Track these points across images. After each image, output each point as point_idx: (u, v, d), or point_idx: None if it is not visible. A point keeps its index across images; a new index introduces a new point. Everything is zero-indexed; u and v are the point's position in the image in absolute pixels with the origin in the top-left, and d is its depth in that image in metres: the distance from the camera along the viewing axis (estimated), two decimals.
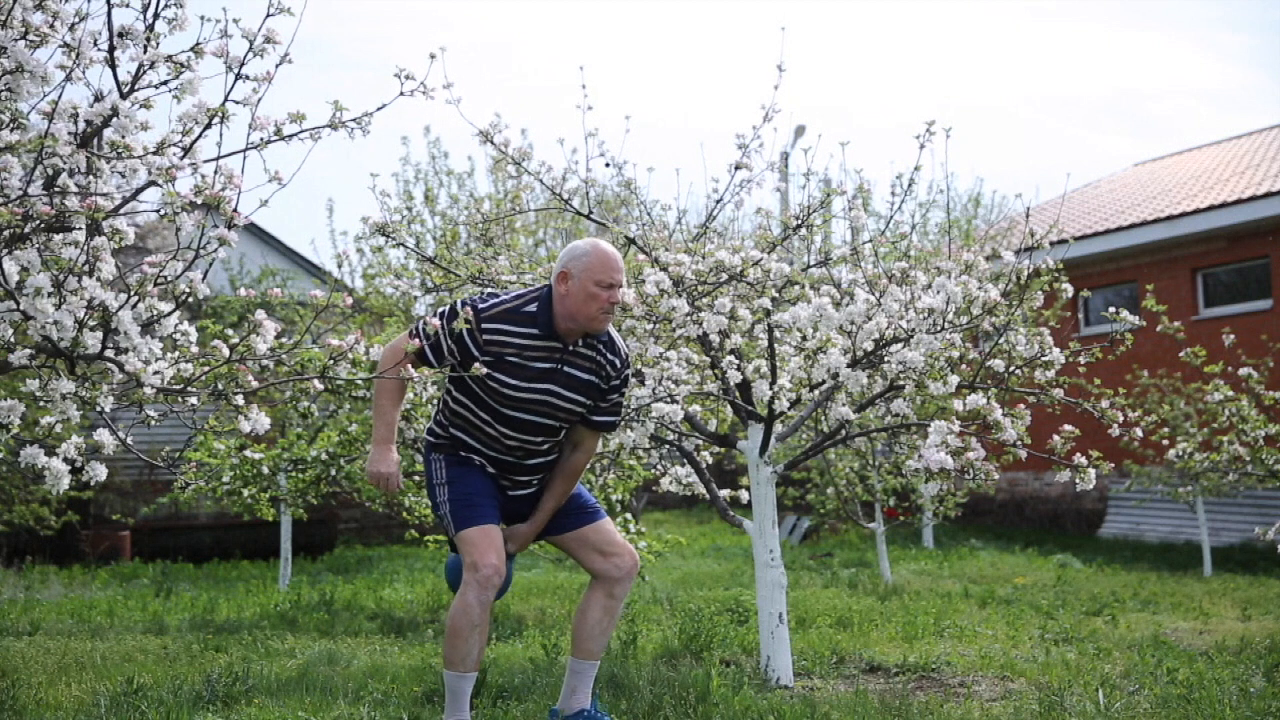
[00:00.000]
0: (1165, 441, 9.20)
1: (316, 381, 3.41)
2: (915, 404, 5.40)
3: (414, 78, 3.41)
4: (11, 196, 2.90)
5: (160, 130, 3.05)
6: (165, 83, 3.11)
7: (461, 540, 3.68)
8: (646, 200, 5.60)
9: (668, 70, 50.15)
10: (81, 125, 3.01)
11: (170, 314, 3.11)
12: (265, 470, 8.30)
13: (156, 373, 3.10)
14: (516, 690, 4.53)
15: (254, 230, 17.50)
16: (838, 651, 5.58)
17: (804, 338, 4.86)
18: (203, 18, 3.11)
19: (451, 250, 6.58)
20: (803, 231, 5.18)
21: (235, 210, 2.99)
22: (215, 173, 3.02)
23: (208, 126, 3.05)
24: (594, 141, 5.35)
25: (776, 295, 4.83)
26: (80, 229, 2.99)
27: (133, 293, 2.99)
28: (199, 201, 2.95)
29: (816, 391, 4.90)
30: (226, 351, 3.16)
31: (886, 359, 4.72)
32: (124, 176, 3.04)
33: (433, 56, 3.72)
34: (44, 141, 2.87)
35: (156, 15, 3.11)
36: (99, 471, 3.02)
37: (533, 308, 3.69)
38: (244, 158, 3.12)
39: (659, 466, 5.67)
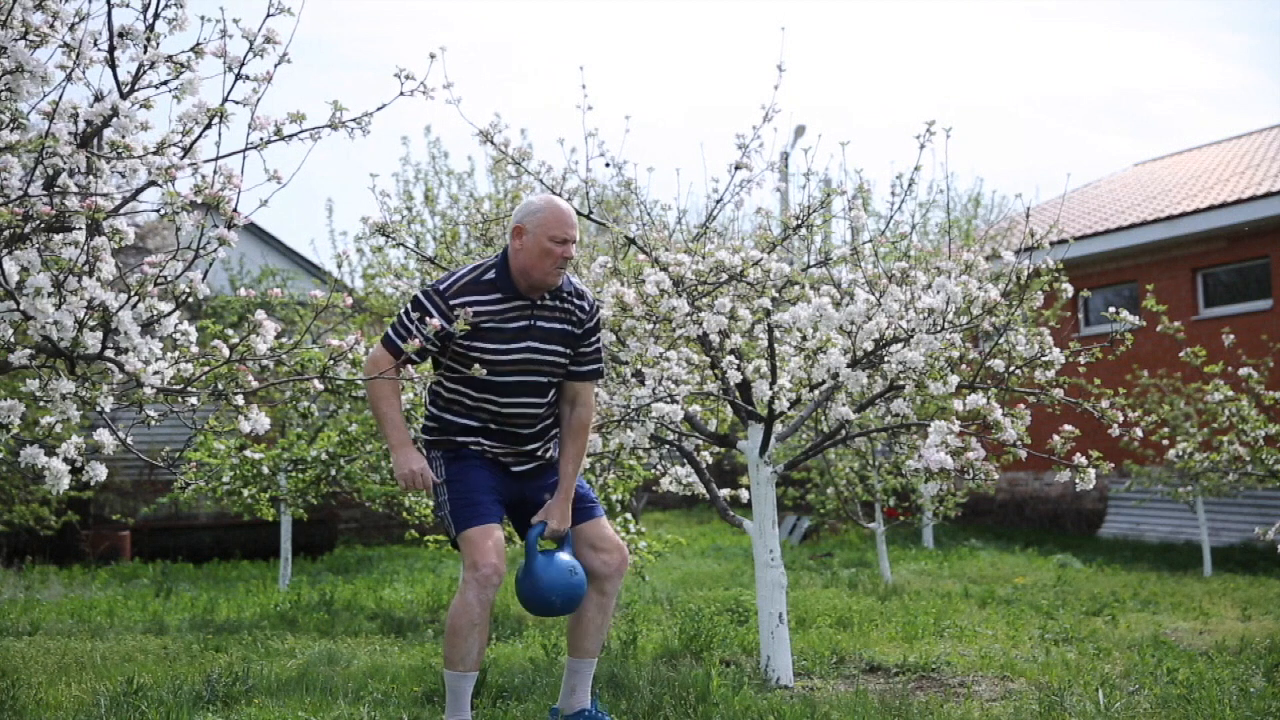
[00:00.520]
0: (1165, 441, 9.20)
1: (316, 381, 3.41)
2: (915, 404, 5.39)
3: (414, 78, 3.41)
4: (11, 196, 2.90)
5: (160, 130, 3.05)
6: (165, 83, 3.11)
7: (463, 540, 3.68)
8: (646, 200, 5.60)
9: (668, 70, 50.16)
10: (81, 125, 3.01)
11: (170, 314, 3.11)
12: (265, 470, 8.30)
13: (156, 373, 3.10)
14: (516, 690, 4.53)
15: (254, 230, 17.49)
16: (838, 651, 5.58)
17: (804, 338, 4.86)
18: (203, 18, 3.11)
19: (451, 250, 6.58)
20: (803, 231, 5.18)
21: (235, 210, 2.99)
22: (215, 173, 3.02)
23: (208, 126, 3.05)
24: (594, 141, 5.36)
25: (776, 295, 4.83)
26: (80, 229, 2.99)
27: (133, 293, 2.99)
28: (199, 201, 2.95)
29: (816, 391, 4.90)
30: (226, 351, 3.16)
31: (886, 359, 4.72)
32: (124, 176, 3.04)
33: (433, 56, 3.72)
34: (44, 141, 2.87)
35: (156, 15, 3.11)
36: (99, 471, 3.02)
37: (491, 274, 3.77)
38: (244, 158, 3.13)
39: (659, 466, 5.67)
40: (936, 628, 6.48)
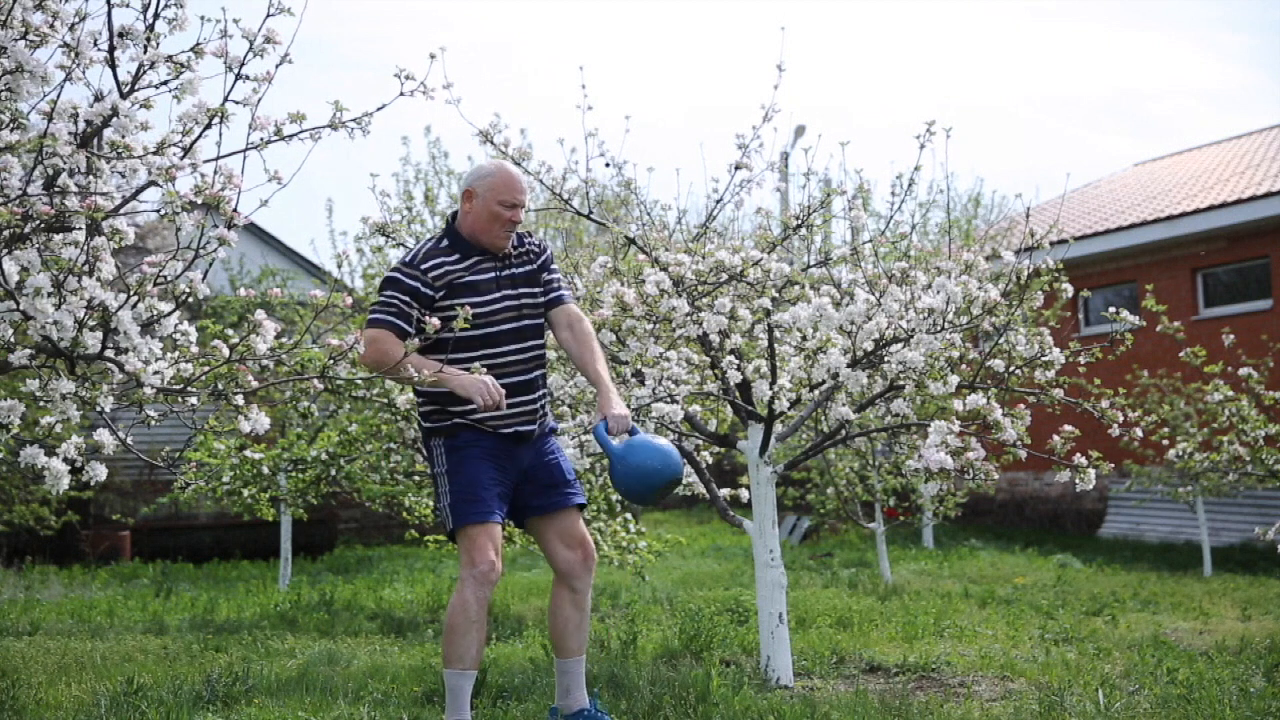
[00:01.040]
0: (1165, 441, 9.20)
1: (316, 381, 3.41)
2: (915, 404, 5.39)
3: (414, 78, 3.41)
4: (11, 196, 2.89)
5: (160, 130, 3.05)
6: (165, 83, 3.11)
7: (462, 535, 3.67)
8: (646, 200, 5.60)
9: (668, 70, 50.16)
10: (81, 125, 3.01)
11: (170, 314, 3.10)
12: (265, 470, 8.30)
13: (156, 373, 3.10)
14: (516, 690, 4.53)
15: (254, 230, 17.49)
16: (838, 651, 5.58)
17: (804, 338, 4.86)
18: (203, 18, 3.11)
19: None
20: (803, 231, 5.18)
21: (235, 210, 2.99)
22: (215, 173, 3.02)
23: (208, 126, 3.05)
24: (594, 141, 5.35)
25: (776, 295, 4.83)
26: (80, 229, 2.98)
27: (133, 293, 2.98)
28: (199, 201, 2.95)
29: (816, 391, 4.90)
30: (226, 351, 3.16)
31: (886, 359, 4.72)
32: (124, 176, 3.04)
33: (433, 56, 3.72)
34: (44, 141, 2.87)
35: (156, 15, 3.10)
36: (99, 471, 3.02)
37: (446, 241, 3.86)
38: (244, 158, 3.12)
39: None
40: (936, 628, 6.48)
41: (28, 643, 6.03)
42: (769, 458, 5.01)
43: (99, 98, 3.07)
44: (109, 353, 3.01)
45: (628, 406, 4.66)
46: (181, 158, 3.00)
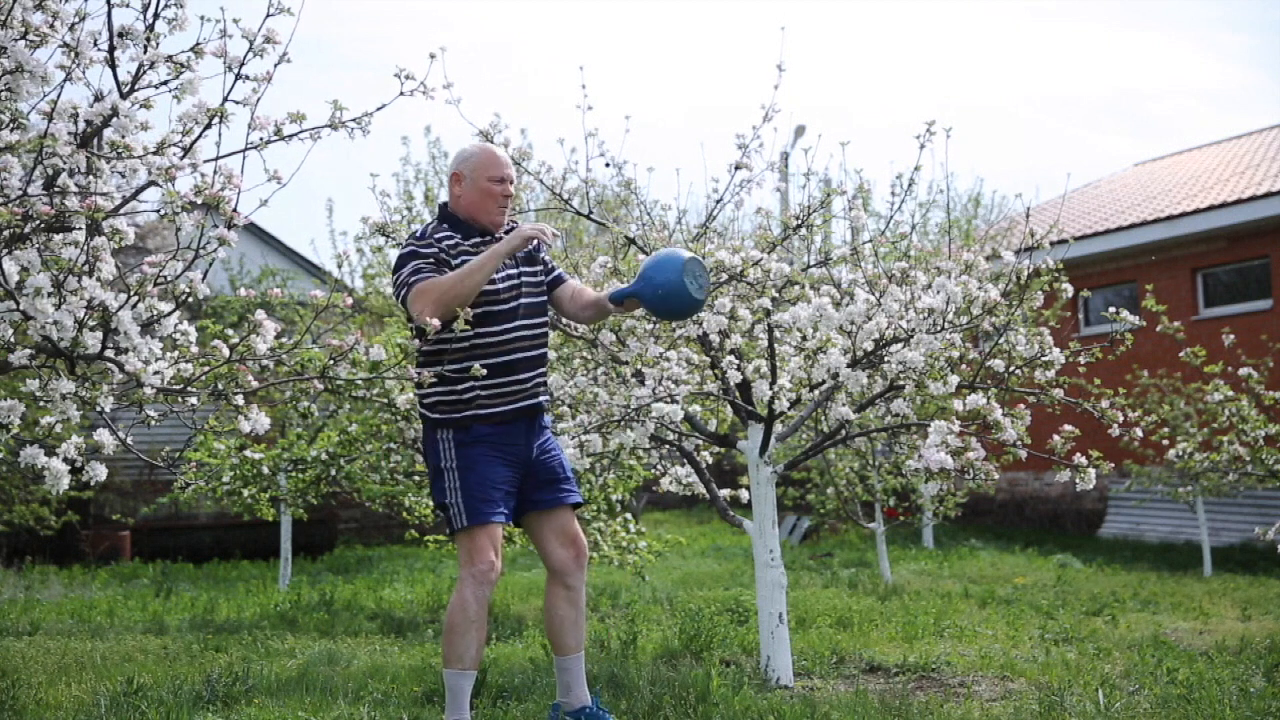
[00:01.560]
0: (1165, 441, 9.20)
1: (316, 381, 3.40)
2: (915, 404, 5.39)
3: (414, 78, 3.41)
4: (11, 196, 2.89)
5: (160, 130, 3.04)
6: (165, 83, 3.11)
7: (465, 534, 3.66)
8: (646, 200, 5.60)
9: (668, 70, 50.16)
10: (81, 125, 3.01)
11: (170, 314, 3.10)
12: (265, 470, 8.30)
13: (156, 373, 3.10)
14: (516, 690, 4.53)
15: (254, 230, 17.49)
16: (838, 651, 5.58)
17: (804, 338, 4.85)
18: (203, 18, 3.11)
19: None
20: (803, 231, 5.17)
21: (235, 210, 2.99)
22: (215, 173, 3.02)
23: (207, 126, 3.05)
24: (594, 141, 5.35)
25: (776, 295, 4.83)
26: (80, 229, 2.98)
27: (133, 293, 2.98)
28: (199, 201, 2.94)
29: (816, 391, 4.90)
30: (226, 351, 3.16)
31: (886, 359, 4.72)
32: (124, 176, 3.04)
33: (433, 56, 3.71)
34: (44, 141, 2.87)
35: (156, 15, 3.10)
36: (99, 471, 3.02)
37: (445, 227, 3.89)
38: (244, 158, 3.12)
39: (659, 466, 5.67)
40: (936, 628, 6.48)
41: (28, 643, 6.03)
42: (769, 458, 5.01)
43: (99, 98, 3.07)
44: (109, 353, 3.01)
45: (628, 406, 4.66)
46: (181, 158, 3.00)
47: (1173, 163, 17.99)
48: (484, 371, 3.51)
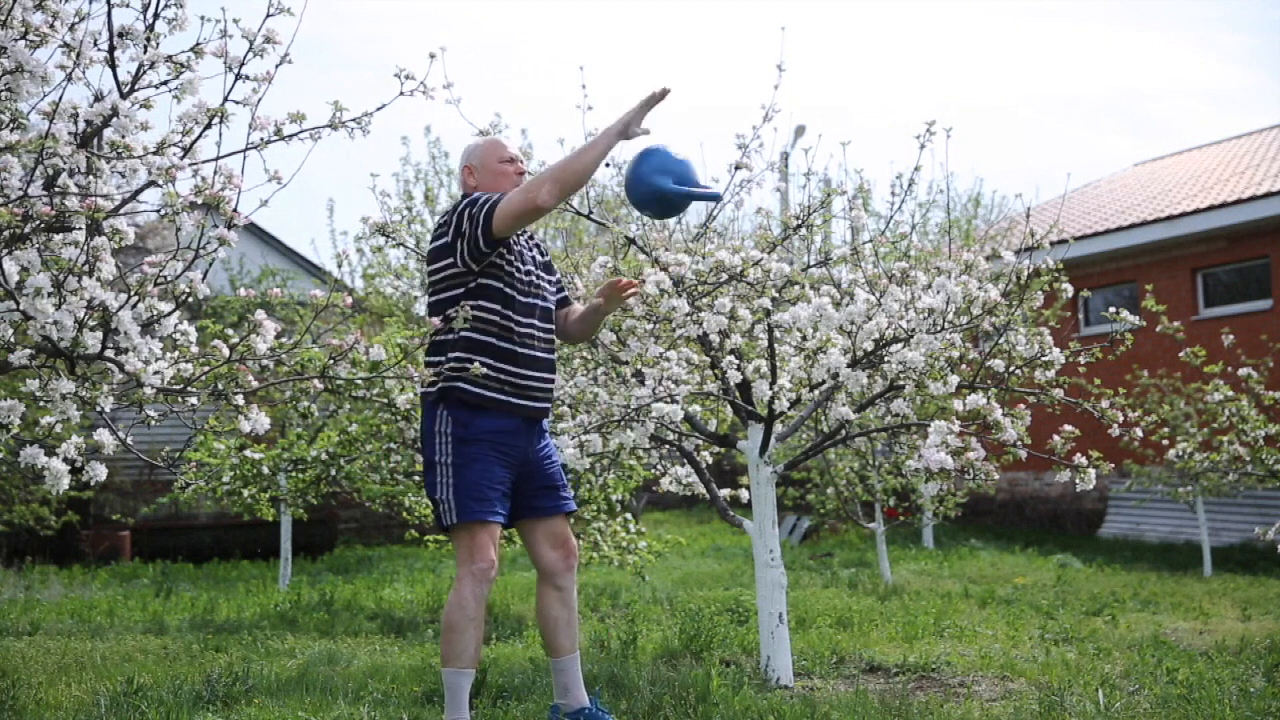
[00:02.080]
0: (1165, 441, 9.20)
1: (316, 381, 3.40)
2: (915, 404, 5.39)
3: (414, 78, 3.41)
4: (11, 196, 2.89)
5: (160, 130, 3.04)
6: (165, 83, 3.11)
7: (463, 530, 3.64)
8: None
9: (668, 71, 50.15)
10: (81, 125, 3.01)
11: (170, 314, 3.10)
12: (265, 470, 8.30)
13: (156, 373, 3.10)
14: (516, 690, 4.53)
15: (254, 230, 17.50)
16: (838, 651, 5.58)
17: (804, 338, 4.85)
18: (203, 18, 3.11)
19: None
20: (803, 231, 5.18)
21: (235, 210, 2.99)
22: (215, 173, 3.02)
23: (208, 126, 3.05)
24: None
25: (776, 295, 4.82)
26: (80, 229, 2.98)
27: (133, 293, 2.98)
28: (199, 201, 2.94)
29: (816, 391, 4.90)
30: (226, 351, 3.16)
31: (886, 359, 4.72)
32: (124, 176, 3.04)
33: (433, 56, 3.71)
34: (44, 141, 2.87)
35: (156, 15, 3.10)
36: (99, 471, 3.02)
37: None
38: (244, 158, 3.12)
39: (659, 466, 5.66)
40: (936, 628, 6.48)
41: (28, 643, 6.03)
42: (769, 458, 5.01)
43: (99, 98, 3.07)
44: (109, 353, 3.01)
45: (628, 406, 4.66)
46: (181, 158, 3.00)
47: (1173, 163, 17.99)
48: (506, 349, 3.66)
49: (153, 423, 3.33)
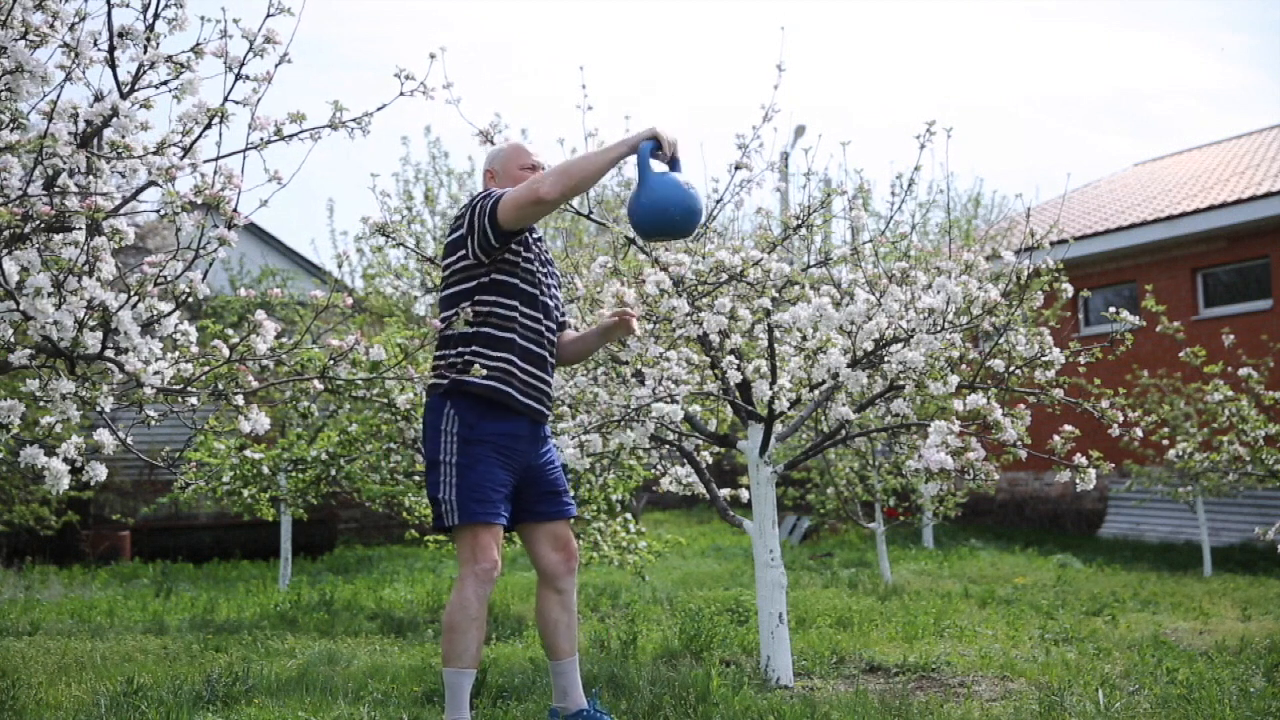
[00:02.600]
0: (1165, 441, 9.20)
1: (316, 381, 3.40)
2: (915, 404, 5.39)
3: (414, 78, 3.41)
4: (11, 196, 2.89)
5: (160, 130, 3.04)
6: (165, 83, 3.11)
7: (466, 531, 3.64)
8: None
9: (668, 71, 50.15)
10: (81, 125, 3.01)
11: (170, 314, 3.10)
12: (265, 470, 8.30)
13: (156, 373, 3.10)
14: (516, 690, 4.53)
15: (254, 230, 17.51)
16: (838, 651, 5.58)
17: (804, 338, 4.85)
18: (203, 18, 3.11)
19: None
20: (803, 231, 5.18)
21: (235, 210, 2.99)
22: (215, 173, 3.02)
23: (208, 126, 3.05)
24: (594, 141, 5.35)
25: (776, 295, 4.82)
26: (80, 229, 2.98)
27: (133, 293, 2.98)
28: (199, 201, 2.94)
29: (816, 391, 4.90)
30: (226, 351, 3.16)
31: (886, 359, 4.72)
32: (124, 176, 3.04)
33: (433, 56, 3.71)
34: (44, 141, 2.87)
35: (156, 15, 3.10)
36: (99, 471, 3.02)
37: None
38: (244, 158, 3.12)
39: (659, 466, 5.66)
40: (936, 628, 6.48)
41: (28, 643, 6.03)
42: (769, 458, 5.01)
43: (99, 98, 3.07)
44: (109, 353, 3.01)
45: (628, 406, 4.66)
46: (181, 158, 3.00)
47: (1173, 163, 18.00)
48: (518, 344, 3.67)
49: (153, 423, 3.33)
